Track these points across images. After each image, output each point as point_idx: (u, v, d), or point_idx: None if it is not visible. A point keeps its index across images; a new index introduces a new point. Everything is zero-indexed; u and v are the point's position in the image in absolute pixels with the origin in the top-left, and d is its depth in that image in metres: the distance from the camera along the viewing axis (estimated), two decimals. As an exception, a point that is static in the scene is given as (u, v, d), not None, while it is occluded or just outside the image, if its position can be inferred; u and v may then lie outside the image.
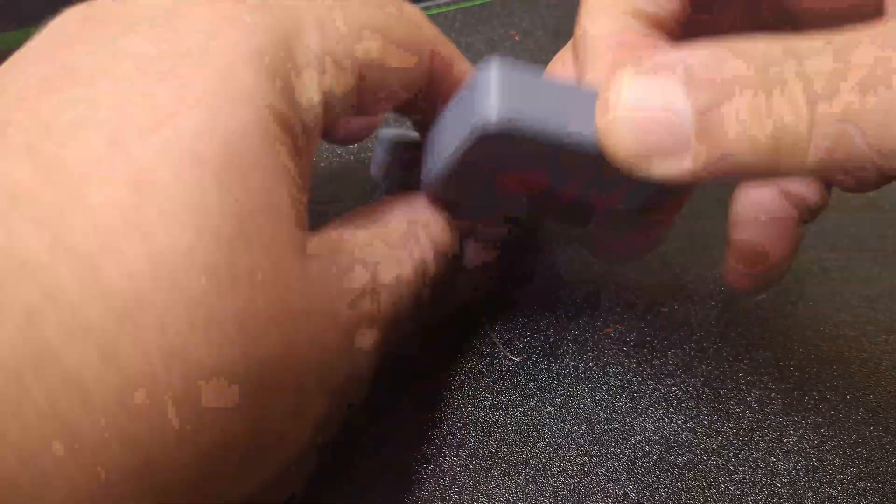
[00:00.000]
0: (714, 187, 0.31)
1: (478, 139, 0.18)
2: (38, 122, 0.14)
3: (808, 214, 0.23)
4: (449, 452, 0.22)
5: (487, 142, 0.19)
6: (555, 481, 0.22)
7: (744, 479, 0.22)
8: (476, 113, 0.18)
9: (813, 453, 0.23)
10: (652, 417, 0.23)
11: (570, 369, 0.25)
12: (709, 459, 0.22)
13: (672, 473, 0.22)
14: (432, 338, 0.25)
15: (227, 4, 0.17)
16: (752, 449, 0.23)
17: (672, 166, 0.16)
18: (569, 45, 0.22)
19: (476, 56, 0.38)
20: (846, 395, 0.24)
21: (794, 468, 0.22)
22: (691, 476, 0.22)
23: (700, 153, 0.15)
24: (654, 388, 0.24)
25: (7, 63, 0.16)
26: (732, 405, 0.24)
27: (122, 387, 0.13)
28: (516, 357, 0.25)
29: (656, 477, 0.22)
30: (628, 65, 0.16)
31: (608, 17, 0.20)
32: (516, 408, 0.23)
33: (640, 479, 0.22)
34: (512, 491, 0.21)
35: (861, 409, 0.24)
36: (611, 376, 0.24)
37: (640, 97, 0.15)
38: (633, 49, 0.19)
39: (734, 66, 0.15)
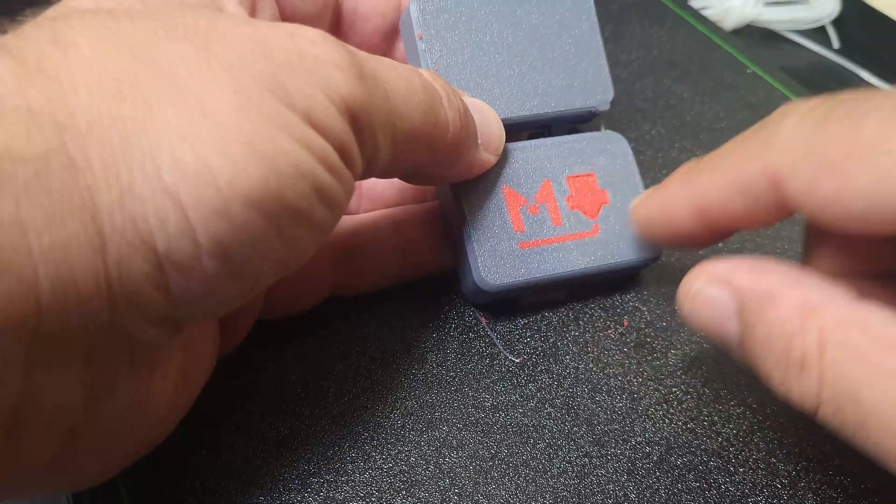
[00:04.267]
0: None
1: (481, 292, 0.24)
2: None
3: None
4: (449, 453, 0.22)
5: (489, 294, 0.24)
6: (555, 482, 0.22)
7: (744, 480, 0.22)
8: (473, 278, 0.24)
9: (813, 454, 0.23)
10: (652, 418, 0.23)
11: (570, 370, 0.25)
12: (709, 460, 0.22)
13: (672, 474, 0.22)
14: (433, 338, 0.25)
15: None
16: (752, 450, 0.23)
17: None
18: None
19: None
20: (846, 395, 0.24)
21: (795, 469, 0.22)
22: (692, 477, 0.22)
23: (742, 357, 0.19)
24: (655, 389, 0.24)
25: None
26: (733, 406, 0.24)
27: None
28: (516, 357, 0.25)
29: (656, 478, 0.22)
30: (705, 267, 0.20)
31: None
32: (516, 409, 0.23)
33: (640, 480, 0.22)
34: (512, 492, 0.21)
35: (861, 409, 0.24)
36: (611, 377, 0.24)
37: (703, 301, 0.20)
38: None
39: (784, 315, 0.18)
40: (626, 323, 0.26)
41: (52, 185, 0.14)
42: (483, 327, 0.25)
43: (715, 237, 0.22)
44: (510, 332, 0.25)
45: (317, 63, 0.17)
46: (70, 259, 0.14)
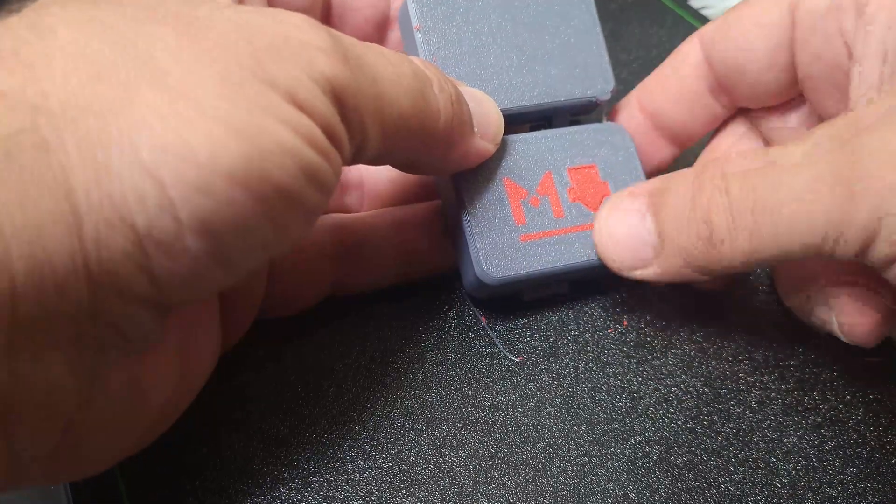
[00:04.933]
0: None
1: (483, 286, 0.24)
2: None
3: None
4: (449, 452, 0.22)
5: (491, 287, 0.24)
6: (555, 482, 0.22)
7: (744, 479, 0.22)
8: (475, 272, 0.24)
9: (813, 453, 0.23)
10: (652, 418, 0.23)
11: (570, 369, 0.25)
12: (709, 460, 0.22)
13: (672, 474, 0.22)
14: (433, 337, 0.25)
15: None
16: (752, 449, 0.23)
17: (643, 273, 0.23)
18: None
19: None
20: (846, 395, 0.24)
21: (794, 468, 0.22)
22: (691, 476, 0.22)
23: (660, 262, 0.22)
24: (655, 389, 0.24)
25: None
26: (732, 405, 0.24)
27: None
28: (516, 357, 0.25)
29: (656, 477, 0.22)
30: (607, 200, 0.24)
31: (628, 114, 0.28)
32: (516, 408, 0.23)
33: (640, 480, 0.22)
34: (512, 491, 0.21)
35: (861, 409, 0.24)
36: (611, 376, 0.24)
37: (612, 225, 0.23)
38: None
39: (679, 189, 0.22)
40: (626, 323, 0.26)
41: (24, 164, 0.14)
42: (483, 327, 0.25)
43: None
44: (510, 331, 0.25)
45: (300, 46, 0.17)
46: (44, 239, 0.14)
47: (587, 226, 0.25)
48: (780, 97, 0.26)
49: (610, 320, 0.26)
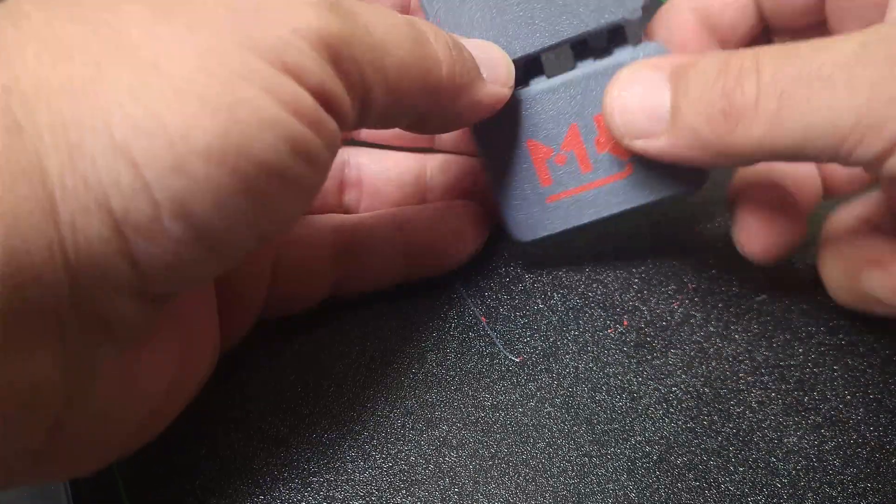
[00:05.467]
0: (715, 189, 0.31)
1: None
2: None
3: None
4: (449, 452, 0.22)
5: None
6: (555, 481, 0.22)
7: (744, 479, 0.22)
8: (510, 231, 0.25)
9: (813, 453, 0.23)
10: (652, 418, 0.23)
11: (570, 369, 0.25)
12: (709, 460, 0.22)
13: (672, 474, 0.22)
14: (433, 337, 0.25)
15: None
16: (752, 449, 0.23)
17: (647, 144, 0.21)
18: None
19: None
20: (846, 395, 0.24)
21: (794, 469, 0.22)
22: (691, 476, 0.22)
23: (670, 135, 0.21)
24: (654, 389, 0.24)
25: None
26: (732, 405, 0.24)
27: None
28: (516, 357, 0.25)
29: (656, 477, 0.22)
30: (626, 68, 0.21)
31: (680, 21, 0.25)
32: (516, 408, 0.23)
33: (640, 480, 0.22)
34: (512, 491, 0.21)
35: (861, 409, 0.24)
36: (611, 376, 0.24)
37: (629, 89, 0.21)
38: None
39: (709, 67, 0.20)
40: (626, 323, 0.26)
41: None
42: (483, 327, 0.25)
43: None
44: (510, 331, 0.25)
45: (284, 2, 0.16)
46: (21, 226, 0.13)
47: (618, 175, 0.24)
48: (806, 16, 0.24)
49: (610, 320, 0.26)
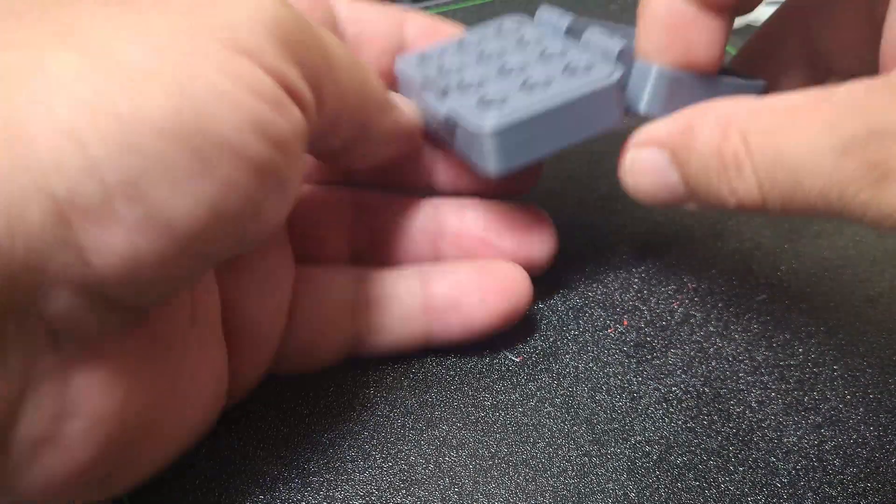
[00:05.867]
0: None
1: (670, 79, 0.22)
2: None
3: None
4: (449, 452, 0.22)
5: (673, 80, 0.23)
6: (555, 481, 0.22)
7: (744, 479, 0.22)
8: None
9: (813, 453, 0.23)
10: (652, 417, 0.23)
11: (570, 369, 0.25)
12: (709, 460, 0.22)
13: (672, 474, 0.22)
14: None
15: None
16: (751, 449, 0.23)
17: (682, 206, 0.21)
18: None
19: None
20: (846, 395, 0.24)
21: (794, 468, 0.22)
22: (691, 476, 0.22)
23: (694, 203, 0.20)
24: (654, 388, 0.24)
25: None
26: (732, 405, 0.24)
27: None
28: (516, 357, 0.25)
29: (656, 477, 0.22)
30: (633, 140, 0.21)
31: None
32: (516, 408, 0.23)
33: (640, 480, 0.22)
34: (512, 491, 0.21)
35: (861, 409, 0.24)
36: (611, 376, 0.24)
37: (640, 168, 0.21)
38: (679, 30, 0.22)
39: (707, 134, 0.19)
40: (626, 322, 0.26)
41: None
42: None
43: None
44: (510, 331, 0.25)
45: None
46: None
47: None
48: None
49: (610, 320, 0.26)
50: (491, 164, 0.22)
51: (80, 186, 0.13)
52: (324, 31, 0.18)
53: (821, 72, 0.26)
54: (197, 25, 0.15)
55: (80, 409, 0.15)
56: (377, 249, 0.25)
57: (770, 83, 0.26)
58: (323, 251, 0.25)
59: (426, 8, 0.44)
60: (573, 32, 0.26)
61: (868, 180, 0.16)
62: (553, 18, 0.26)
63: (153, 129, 0.13)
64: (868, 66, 0.24)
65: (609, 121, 0.24)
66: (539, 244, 0.25)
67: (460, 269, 0.24)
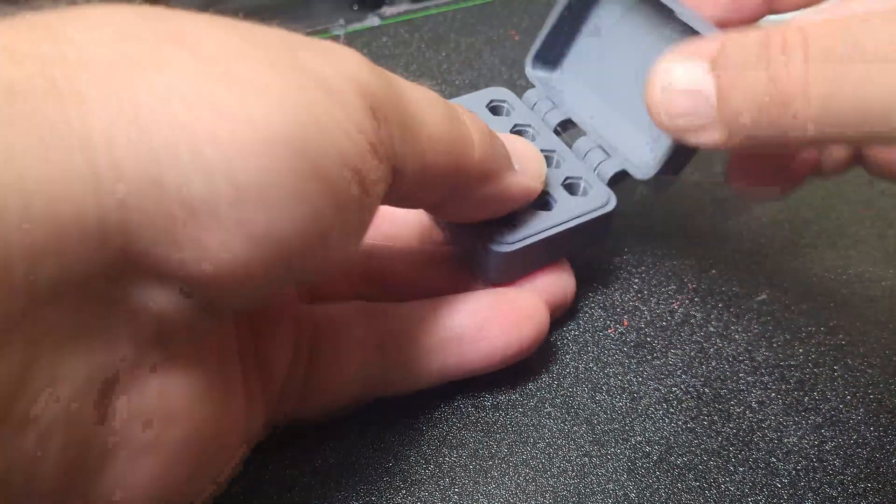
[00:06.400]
0: (712, 188, 0.31)
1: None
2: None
3: None
4: (449, 452, 0.22)
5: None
6: (555, 481, 0.22)
7: (744, 479, 0.22)
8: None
9: (813, 454, 0.23)
10: (652, 418, 0.23)
11: (570, 369, 0.25)
12: (709, 460, 0.22)
13: (672, 474, 0.22)
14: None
15: None
16: (752, 449, 0.23)
17: (702, 138, 0.19)
18: None
19: (476, 56, 0.38)
20: (846, 395, 0.24)
21: (794, 469, 0.22)
22: (691, 476, 0.22)
23: (723, 125, 0.19)
24: (655, 389, 0.24)
25: None
26: (733, 406, 0.24)
27: None
28: (516, 357, 0.25)
29: (656, 477, 0.22)
30: (667, 55, 0.19)
31: None
32: (516, 408, 0.23)
33: (640, 480, 0.22)
34: (512, 491, 0.21)
35: (861, 409, 0.24)
36: (611, 376, 0.24)
37: (673, 80, 0.19)
38: None
39: (749, 46, 0.18)
40: (626, 323, 0.26)
41: (35, 108, 0.12)
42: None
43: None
44: (510, 331, 0.25)
45: (338, 49, 0.17)
46: (62, 195, 0.12)
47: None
48: None
49: (610, 320, 0.26)
50: (491, 275, 0.24)
51: (191, 182, 0.13)
52: (416, 101, 0.18)
53: None
54: (300, 65, 0.15)
55: (177, 415, 0.16)
56: (386, 289, 0.25)
57: None
58: (333, 290, 0.24)
59: (426, 8, 0.44)
60: (564, 128, 0.26)
61: None
62: (542, 109, 0.26)
63: (278, 140, 0.14)
64: None
65: (600, 241, 0.25)
66: (561, 285, 0.25)
67: (480, 298, 0.23)
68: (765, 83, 0.17)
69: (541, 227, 0.23)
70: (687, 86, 0.19)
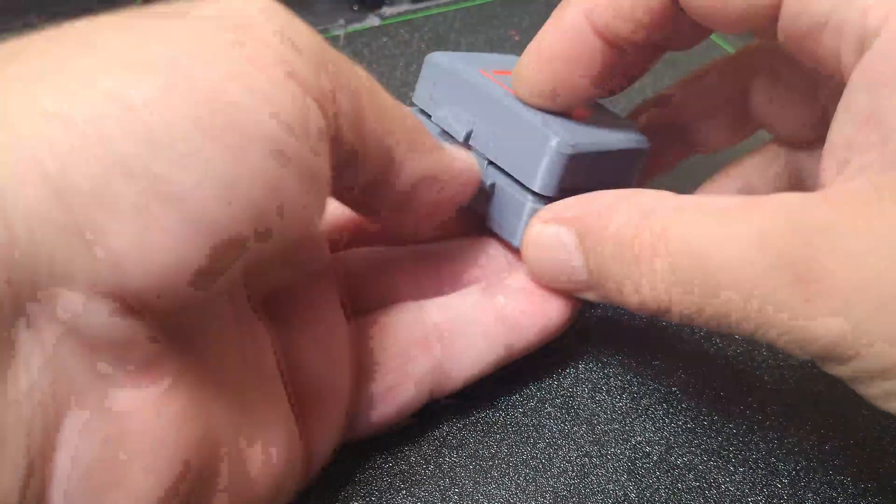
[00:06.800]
0: (707, 172, 0.31)
1: (568, 158, 0.22)
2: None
3: None
4: (449, 452, 0.22)
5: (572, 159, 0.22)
6: (555, 482, 0.22)
7: (744, 479, 0.22)
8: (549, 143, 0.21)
9: (813, 454, 0.23)
10: (652, 418, 0.23)
11: (570, 369, 0.25)
12: (709, 460, 0.22)
13: (672, 474, 0.22)
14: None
15: None
16: (752, 449, 0.23)
17: (585, 296, 0.21)
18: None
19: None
20: (846, 395, 0.24)
21: (795, 468, 0.22)
22: (691, 476, 0.22)
23: (599, 294, 0.20)
24: (655, 389, 0.24)
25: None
26: (733, 406, 0.24)
27: None
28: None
29: (657, 477, 0.22)
30: (539, 215, 0.21)
31: (569, 21, 0.21)
32: (516, 408, 0.23)
33: (640, 480, 0.22)
34: (512, 491, 0.21)
35: (861, 409, 0.24)
36: (611, 376, 0.24)
37: (544, 244, 0.20)
38: (573, 62, 0.22)
39: (622, 222, 0.18)
40: (625, 323, 0.26)
41: None
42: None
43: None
44: (510, 331, 0.25)
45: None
46: None
47: None
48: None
49: (610, 320, 0.26)
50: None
51: (73, 167, 0.12)
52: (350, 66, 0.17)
53: (747, 128, 0.26)
54: (206, 23, 0.14)
55: (138, 439, 0.14)
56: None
57: (694, 125, 0.27)
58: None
59: (426, 8, 0.44)
60: None
61: (798, 296, 0.15)
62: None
63: (147, 105, 0.13)
64: (801, 133, 0.24)
65: (631, 181, 0.25)
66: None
67: (516, 277, 0.23)
68: (631, 287, 0.18)
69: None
70: (557, 256, 0.20)
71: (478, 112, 0.23)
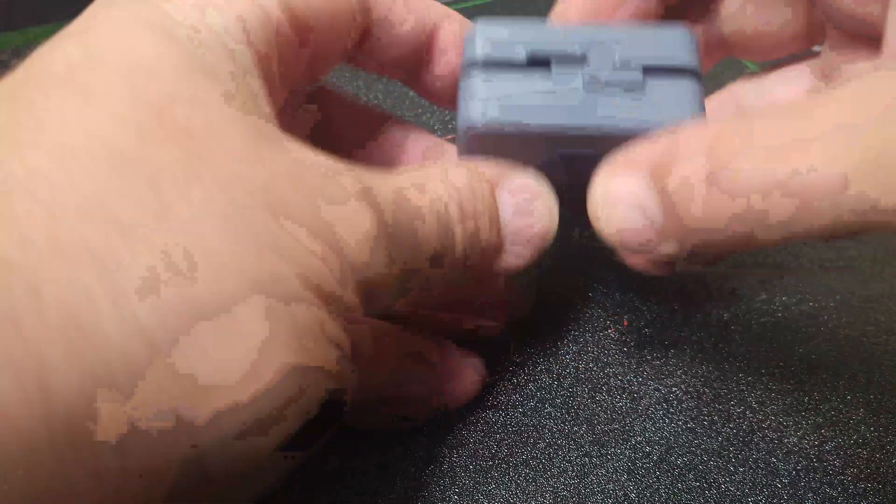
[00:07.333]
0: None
1: (470, 137, 0.20)
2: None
3: None
4: (449, 452, 0.22)
5: (479, 138, 0.20)
6: (555, 482, 0.22)
7: (744, 479, 0.22)
8: (463, 117, 0.20)
9: (813, 454, 0.23)
10: (652, 418, 0.23)
11: (570, 369, 0.25)
12: (709, 460, 0.22)
13: (672, 474, 0.22)
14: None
15: None
16: (752, 450, 0.23)
17: (657, 252, 0.18)
18: None
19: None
20: (846, 395, 0.24)
21: (795, 469, 0.22)
22: (692, 477, 0.22)
23: (674, 238, 0.17)
24: (655, 389, 0.24)
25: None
26: (733, 406, 0.24)
27: None
28: (517, 357, 0.25)
29: (656, 478, 0.22)
30: (605, 167, 0.18)
31: None
32: (516, 408, 0.23)
33: (640, 480, 0.22)
34: (512, 491, 0.21)
35: (861, 409, 0.24)
36: (611, 377, 0.24)
37: (614, 198, 0.18)
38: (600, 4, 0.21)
39: (690, 151, 0.16)
40: (626, 323, 0.26)
41: None
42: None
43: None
44: (510, 331, 0.25)
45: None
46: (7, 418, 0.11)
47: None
48: None
49: (610, 320, 0.26)
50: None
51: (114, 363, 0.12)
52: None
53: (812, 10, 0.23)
54: (277, 209, 0.14)
55: None
56: None
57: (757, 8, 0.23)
58: None
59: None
60: None
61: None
62: None
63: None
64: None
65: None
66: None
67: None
68: (713, 207, 0.16)
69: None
70: (628, 202, 0.17)
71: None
